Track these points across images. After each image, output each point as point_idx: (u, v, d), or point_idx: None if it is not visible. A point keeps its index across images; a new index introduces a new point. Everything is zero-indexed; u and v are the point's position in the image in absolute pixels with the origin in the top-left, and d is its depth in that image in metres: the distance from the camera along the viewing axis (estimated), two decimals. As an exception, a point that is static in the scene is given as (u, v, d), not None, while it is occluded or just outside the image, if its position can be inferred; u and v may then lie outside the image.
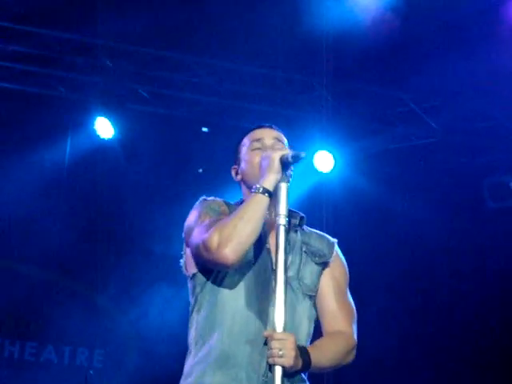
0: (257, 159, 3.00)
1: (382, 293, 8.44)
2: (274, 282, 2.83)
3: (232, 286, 2.90)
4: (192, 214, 3.02)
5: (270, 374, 2.80)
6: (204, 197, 3.08)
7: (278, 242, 2.73)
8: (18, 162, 8.03)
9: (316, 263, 3.02)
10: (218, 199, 3.07)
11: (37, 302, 8.37)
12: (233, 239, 2.76)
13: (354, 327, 3.05)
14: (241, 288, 2.90)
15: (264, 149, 3.03)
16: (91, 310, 8.59)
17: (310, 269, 3.01)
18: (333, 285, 3.06)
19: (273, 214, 2.96)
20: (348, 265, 3.12)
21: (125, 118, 8.04)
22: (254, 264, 2.92)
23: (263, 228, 2.89)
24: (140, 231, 8.39)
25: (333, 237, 3.15)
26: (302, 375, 2.93)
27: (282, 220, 2.75)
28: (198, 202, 3.05)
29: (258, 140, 3.09)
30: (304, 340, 2.95)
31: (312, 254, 3.04)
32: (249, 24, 7.12)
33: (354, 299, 3.09)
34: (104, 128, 7.96)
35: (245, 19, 7.11)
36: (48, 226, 8.24)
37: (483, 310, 8.51)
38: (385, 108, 8.40)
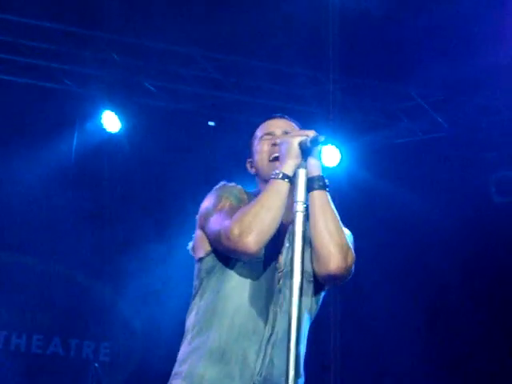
0: (265, 147, 3.00)
1: (387, 286, 8.44)
2: (276, 277, 2.84)
3: (239, 279, 2.87)
4: (210, 198, 2.98)
5: (264, 373, 2.79)
6: (224, 182, 3.05)
7: (295, 230, 2.61)
8: (24, 156, 8.05)
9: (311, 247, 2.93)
10: (238, 186, 3.04)
11: (43, 295, 8.39)
12: (254, 228, 2.73)
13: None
14: (247, 282, 2.87)
15: (274, 138, 3.00)
16: (98, 303, 8.62)
17: (307, 255, 2.90)
18: None
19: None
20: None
21: (131, 112, 8.06)
22: (263, 260, 2.88)
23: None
24: (146, 224, 8.40)
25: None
26: (301, 369, 2.91)
27: (300, 207, 2.63)
28: (217, 186, 3.02)
29: (269, 134, 3.08)
30: (304, 329, 2.92)
31: (308, 239, 2.91)
32: (255, 18, 7.12)
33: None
34: (111, 122, 7.97)
35: (251, 14, 7.11)
36: (54, 219, 8.26)
37: (488, 303, 8.51)
38: (391, 102, 8.39)
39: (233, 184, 3.04)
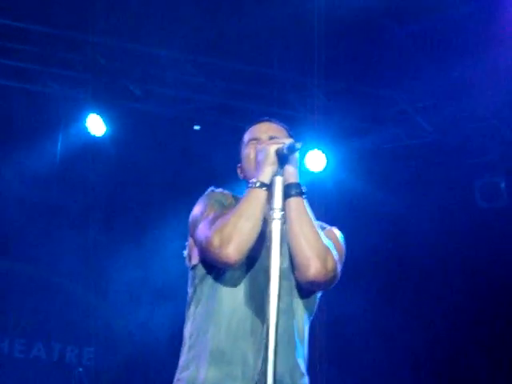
0: (252, 153, 3.01)
1: (373, 292, 8.45)
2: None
3: (232, 282, 2.89)
4: (198, 205, 3.01)
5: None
6: (212, 188, 3.07)
7: (272, 236, 2.64)
8: (8, 159, 8.01)
9: None
10: (225, 191, 3.07)
11: (27, 300, 8.35)
12: (234, 238, 2.76)
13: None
14: (240, 285, 2.88)
15: (258, 143, 3.01)
16: (81, 307, 8.58)
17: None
18: None
19: None
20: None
21: (116, 115, 8.03)
22: (255, 261, 2.89)
23: (264, 223, 2.85)
24: (130, 228, 8.37)
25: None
26: (302, 369, 2.92)
27: (277, 214, 2.66)
28: (205, 193, 3.05)
29: (255, 139, 3.09)
30: (301, 330, 2.94)
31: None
32: (241, 22, 7.12)
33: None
34: (96, 125, 7.94)
35: (237, 18, 7.10)
36: (38, 223, 8.23)
37: (474, 309, 8.53)
38: (377, 108, 8.40)
39: (220, 190, 3.06)
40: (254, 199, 2.82)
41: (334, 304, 7.64)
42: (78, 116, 7.96)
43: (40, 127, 7.98)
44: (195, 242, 2.96)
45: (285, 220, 2.73)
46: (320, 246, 2.87)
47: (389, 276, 8.64)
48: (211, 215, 2.89)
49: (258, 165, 2.86)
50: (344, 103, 8.32)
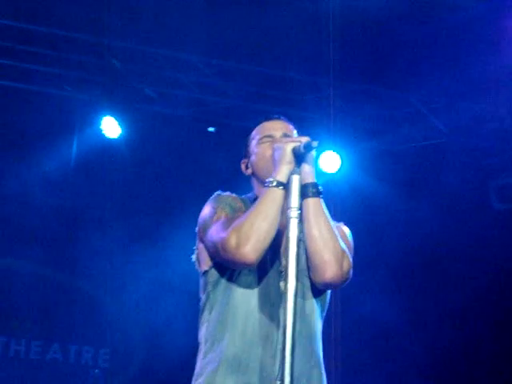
0: (268, 152, 2.96)
1: (388, 293, 8.43)
2: (283, 282, 2.80)
3: (245, 287, 2.87)
4: (206, 209, 2.99)
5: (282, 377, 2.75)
6: (219, 192, 3.06)
7: (289, 236, 2.61)
8: (24, 161, 8.04)
9: None
10: (233, 195, 3.04)
11: (43, 301, 8.38)
12: (251, 238, 2.73)
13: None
14: (254, 289, 2.87)
15: (275, 140, 2.99)
16: (97, 308, 8.60)
17: (305, 260, 2.92)
18: None
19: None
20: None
21: (131, 118, 8.05)
22: (266, 263, 2.87)
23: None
24: (146, 230, 8.39)
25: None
26: (320, 369, 2.92)
27: (294, 213, 2.63)
28: (212, 197, 3.03)
29: (269, 136, 3.07)
30: (315, 331, 2.94)
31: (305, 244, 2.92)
32: (255, 25, 7.12)
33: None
34: (111, 128, 7.96)
35: (252, 20, 7.11)
36: (53, 225, 8.26)
37: (488, 310, 8.50)
38: (391, 109, 8.40)
39: (227, 193, 3.05)
40: (271, 198, 2.79)
41: (351, 303, 7.67)
42: (94, 118, 7.98)
43: (55, 130, 8.01)
44: (206, 245, 2.94)
45: (300, 219, 2.71)
46: (338, 249, 2.87)
47: (402, 276, 8.62)
48: (223, 218, 2.88)
49: (275, 163, 2.83)
50: (358, 104, 8.31)
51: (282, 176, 2.79)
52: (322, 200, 2.91)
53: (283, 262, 2.90)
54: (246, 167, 3.13)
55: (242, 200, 3.03)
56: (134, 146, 8.26)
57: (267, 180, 2.82)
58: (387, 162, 8.57)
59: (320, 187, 2.92)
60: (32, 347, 8.55)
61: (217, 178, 7.47)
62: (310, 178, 2.88)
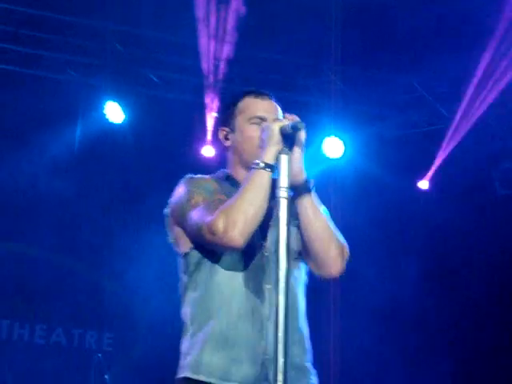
0: (257, 135, 2.90)
1: (390, 277, 8.45)
2: (265, 258, 2.84)
3: (228, 266, 2.87)
4: (180, 192, 2.96)
5: (271, 351, 2.71)
6: (190, 175, 3.02)
7: (279, 216, 2.55)
8: (28, 145, 8.05)
9: (296, 226, 2.91)
10: (206, 177, 3.01)
11: (47, 285, 8.40)
12: (239, 222, 2.71)
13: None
14: (237, 267, 2.86)
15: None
16: (101, 293, 8.63)
17: (293, 232, 2.89)
18: None
19: (242, 176, 2.90)
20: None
21: (135, 103, 8.05)
22: (251, 242, 2.82)
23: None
24: (149, 215, 8.39)
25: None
26: (307, 346, 2.93)
27: (283, 193, 2.56)
28: (184, 180, 2.99)
29: (260, 118, 2.99)
30: (301, 308, 2.94)
31: (293, 217, 2.86)
32: (258, 9, 7.11)
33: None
34: (114, 112, 7.97)
35: (254, 4, 7.10)
36: (57, 209, 8.27)
37: (491, 297, 8.52)
38: (395, 94, 8.39)
39: (199, 176, 3.01)
40: (259, 181, 2.75)
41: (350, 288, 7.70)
42: (97, 103, 8.00)
43: (59, 114, 8.01)
44: (185, 229, 2.91)
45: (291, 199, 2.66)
46: (341, 243, 2.91)
47: (405, 261, 8.63)
48: (201, 201, 2.86)
49: (262, 144, 2.78)
50: (362, 89, 8.31)
51: (269, 157, 2.74)
52: (313, 193, 2.89)
53: (267, 240, 2.91)
54: (226, 137, 3.06)
55: (216, 181, 2.99)
56: (138, 131, 8.26)
57: (254, 162, 2.77)
58: (390, 148, 8.56)
59: (312, 181, 2.88)
60: (36, 331, 8.58)
61: (220, 163, 7.47)
62: (299, 172, 2.81)
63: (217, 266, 2.88)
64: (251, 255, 2.88)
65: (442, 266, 8.73)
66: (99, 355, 7.37)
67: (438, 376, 8.37)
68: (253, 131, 2.98)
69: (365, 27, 7.31)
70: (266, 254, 2.90)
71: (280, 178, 2.61)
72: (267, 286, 2.85)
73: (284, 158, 2.65)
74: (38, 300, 8.50)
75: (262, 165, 2.75)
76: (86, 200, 8.36)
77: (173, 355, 3.04)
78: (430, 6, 7.05)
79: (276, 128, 2.72)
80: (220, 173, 3.07)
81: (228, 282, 2.85)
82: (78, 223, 8.32)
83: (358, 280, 7.13)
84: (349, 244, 2.95)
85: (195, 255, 2.93)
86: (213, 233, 2.74)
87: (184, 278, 2.99)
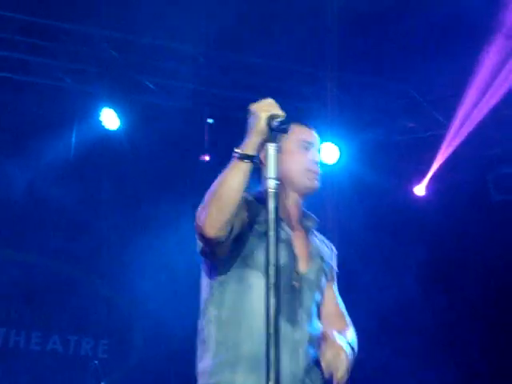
0: (305, 160, 3.06)
1: (387, 284, 8.44)
2: (296, 281, 2.88)
3: (257, 287, 2.80)
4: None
5: (300, 376, 2.79)
6: None
7: (269, 209, 2.39)
8: (24, 152, 8.04)
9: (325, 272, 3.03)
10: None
11: (42, 292, 8.39)
12: (207, 213, 2.66)
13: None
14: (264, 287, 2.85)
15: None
16: (96, 300, 8.62)
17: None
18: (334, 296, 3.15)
19: (290, 200, 2.95)
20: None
21: (130, 109, 8.05)
22: (281, 265, 2.76)
23: (286, 224, 2.88)
24: (144, 221, 8.40)
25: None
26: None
27: (271, 183, 2.42)
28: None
29: (310, 143, 3.13)
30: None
31: (321, 257, 3.04)
32: (253, 16, 7.12)
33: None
34: (109, 119, 7.97)
35: (250, 10, 7.10)
36: (53, 216, 8.26)
37: (487, 301, 8.52)
38: (390, 100, 8.40)
39: None
40: (234, 172, 2.67)
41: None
42: (92, 110, 8.00)
43: (54, 121, 8.00)
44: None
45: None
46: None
47: (401, 267, 8.63)
48: None
49: (248, 132, 2.67)
50: (357, 95, 8.31)
51: (250, 148, 2.65)
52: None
53: (300, 264, 2.94)
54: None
55: (246, 201, 2.87)
56: (133, 138, 8.26)
57: (235, 150, 2.69)
58: (386, 154, 8.57)
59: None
60: (32, 338, 8.56)
61: (215, 170, 7.47)
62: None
63: (246, 287, 2.84)
64: (284, 279, 2.82)
65: (438, 271, 8.73)
66: (95, 362, 7.36)
67: (437, 379, 8.37)
68: (302, 156, 3.10)
69: (361, 34, 7.32)
70: (296, 276, 2.93)
71: (267, 168, 2.45)
72: (298, 311, 2.85)
73: (271, 147, 2.49)
74: (33, 307, 8.49)
75: (238, 155, 2.66)
76: (81, 206, 8.35)
77: (168, 363, 3.03)
78: (427, 13, 7.06)
79: (264, 116, 2.60)
80: (258, 192, 3.01)
81: (258, 303, 2.74)
82: (74, 230, 8.31)
83: (353, 285, 7.12)
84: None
85: (222, 273, 2.89)
86: (195, 227, 2.75)
87: (206, 293, 2.94)
